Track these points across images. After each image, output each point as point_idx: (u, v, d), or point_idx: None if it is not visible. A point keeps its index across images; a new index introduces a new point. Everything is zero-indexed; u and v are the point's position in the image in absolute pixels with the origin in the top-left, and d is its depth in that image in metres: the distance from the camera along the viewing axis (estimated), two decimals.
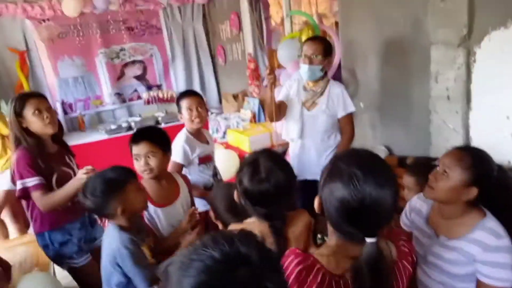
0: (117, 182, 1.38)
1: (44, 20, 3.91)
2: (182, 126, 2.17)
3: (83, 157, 3.67)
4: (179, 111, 2.13)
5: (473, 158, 1.23)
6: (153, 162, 1.66)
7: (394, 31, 2.29)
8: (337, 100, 2.24)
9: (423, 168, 1.91)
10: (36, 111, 1.72)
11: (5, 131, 3.02)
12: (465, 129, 1.99)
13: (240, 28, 4.07)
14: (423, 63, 2.12)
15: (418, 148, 2.30)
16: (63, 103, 4.15)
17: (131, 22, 4.37)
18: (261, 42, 4.65)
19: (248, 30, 4.08)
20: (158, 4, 4.43)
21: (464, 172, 1.21)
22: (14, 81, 3.85)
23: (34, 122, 1.72)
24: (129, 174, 1.44)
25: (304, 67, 2.19)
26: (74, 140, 3.86)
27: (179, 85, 4.76)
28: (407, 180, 1.89)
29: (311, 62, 2.17)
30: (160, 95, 4.48)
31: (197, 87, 4.84)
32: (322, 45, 2.20)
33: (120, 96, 4.48)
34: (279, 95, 2.42)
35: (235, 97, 4.02)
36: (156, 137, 1.71)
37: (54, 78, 4.09)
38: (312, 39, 2.29)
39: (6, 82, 3.83)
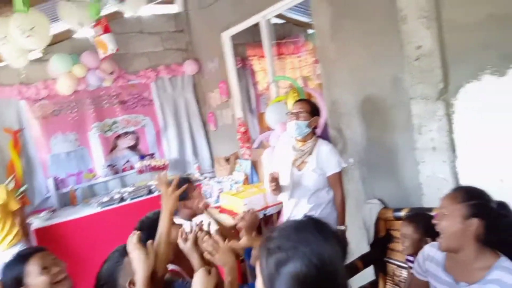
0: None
1: (38, 100, 4.04)
2: None
3: (75, 233, 3.64)
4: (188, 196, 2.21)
5: (466, 193, 1.28)
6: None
7: (375, 90, 2.41)
8: (326, 158, 2.29)
9: (420, 217, 1.91)
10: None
11: (15, 205, 3.23)
12: (455, 177, 2.02)
13: (229, 95, 4.24)
14: (406, 117, 2.21)
15: (411, 199, 2.30)
16: (55, 179, 4.13)
17: (124, 96, 4.54)
18: (249, 107, 4.84)
19: (237, 96, 4.25)
20: (150, 77, 4.64)
21: (459, 206, 1.25)
22: (6, 160, 3.87)
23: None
24: None
25: (291, 124, 2.29)
26: (66, 216, 3.80)
27: (172, 153, 4.82)
28: (405, 229, 1.88)
29: (297, 118, 2.26)
30: (153, 164, 4.50)
31: (189, 153, 4.90)
32: (308, 105, 2.33)
33: (113, 168, 4.49)
34: (273, 163, 2.50)
35: (227, 160, 4.06)
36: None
37: (46, 155, 4.12)
38: (299, 100, 2.43)
39: None
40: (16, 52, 2.97)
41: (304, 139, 2.34)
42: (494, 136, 1.81)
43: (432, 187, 2.14)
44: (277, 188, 2.30)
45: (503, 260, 1.20)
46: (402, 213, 2.28)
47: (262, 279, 0.80)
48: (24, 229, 3.35)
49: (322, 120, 2.91)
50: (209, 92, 4.73)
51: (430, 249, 1.45)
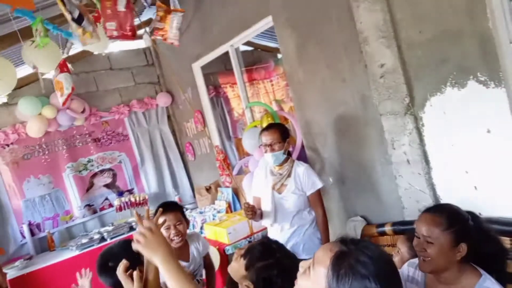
0: None
1: (7, 145, 3.92)
2: None
3: (54, 279, 3.46)
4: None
5: (448, 218, 1.27)
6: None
7: (345, 108, 2.47)
8: (303, 178, 2.31)
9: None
10: None
11: None
12: (431, 188, 2.06)
13: (204, 124, 4.25)
14: (378, 133, 2.26)
15: (393, 213, 2.33)
16: (30, 224, 3.96)
17: (97, 134, 4.46)
18: (226, 134, 4.84)
19: (213, 124, 4.26)
20: (123, 113, 4.60)
21: (445, 235, 1.24)
22: None
23: None
24: None
25: (268, 156, 2.31)
26: (43, 262, 3.62)
27: (151, 187, 4.73)
28: (402, 246, 1.84)
29: (272, 149, 2.27)
30: (132, 199, 4.39)
31: (169, 185, 4.82)
32: (278, 131, 2.33)
33: (91, 207, 4.35)
34: (253, 190, 2.49)
35: (207, 189, 4.02)
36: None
37: (19, 200, 3.96)
38: (266, 128, 2.40)
39: None
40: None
41: (281, 164, 2.36)
42: (463, 145, 1.87)
43: (411, 200, 2.17)
44: (253, 215, 2.31)
45: (484, 280, 1.21)
46: (386, 228, 2.29)
47: None
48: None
49: (297, 141, 2.95)
50: (184, 123, 4.72)
51: (409, 269, 1.44)
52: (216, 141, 4.23)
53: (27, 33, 2.51)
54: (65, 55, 4.05)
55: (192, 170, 4.93)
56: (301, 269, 0.94)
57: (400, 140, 2.13)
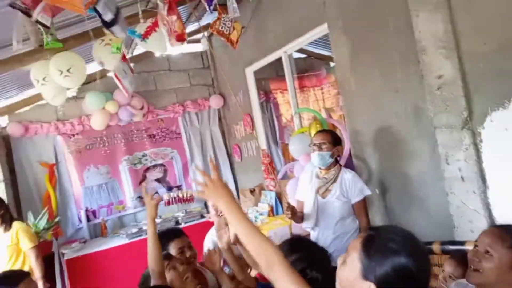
0: None
1: (73, 135, 4.28)
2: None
3: (105, 263, 3.70)
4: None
5: None
6: (194, 250, 2.02)
7: (396, 119, 2.41)
8: (349, 185, 2.29)
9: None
10: None
11: (28, 244, 3.01)
12: (486, 209, 1.94)
13: (253, 127, 4.33)
14: (431, 146, 2.18)
15: (442, 231, 2.21)
16: (87, 210, 4.28)
17: (153, 130, 4.72)
18: (274, 138, 4.89)
19: (261, 128, 4.33)
20: (177, 112, 4.83)
21: (509, 251, 1.19)
22: (42, 193, 4.06)
23: None
24: None
25: (314, 155, 2.33)
26: (96, 247, 3.90)
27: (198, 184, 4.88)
28: (449, 268, 1.76)
29: (320, 149, 2.29)
30: (180, 195, 4.58)
31: None
32: (329, 135, 2.37)
33: (142, 200, 4.59)
34: (297, 193, 2.51)
35: (252, 191, 4.08)
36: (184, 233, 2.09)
37: (79, 187, 4.30)
38: (320, 131, 2.50)
39: (35, 194, 4.04)
40: (54, 91, 3.20)
41: (328, 168, 2.36)
42: None
43: (463, 219, 2.06)
44: (293, 216, 2.33)
45: None
46: (433, 247, 2.19)
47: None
48: (41, 267, 3.06)
49: (345, 150, 2.92)
50: (234, 125, 4.85)
51: None
52: (263, 144, 4.29)
53: (98, 33, 2.75)
54: (129, 55, 4.36)
55: (238, 171, 5.03)
56: (338, 262, 0.96)
57: (455, 155, 2.03)
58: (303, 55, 5.35)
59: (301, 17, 3.14)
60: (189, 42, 4.97)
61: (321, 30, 2.96)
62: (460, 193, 2.05)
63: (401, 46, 2.27)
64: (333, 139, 2.36)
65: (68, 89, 3.38)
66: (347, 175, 2.33)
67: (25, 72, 3.03)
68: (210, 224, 4.05)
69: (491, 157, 1.90)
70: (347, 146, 2.93)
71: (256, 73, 4.27)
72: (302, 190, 2.47)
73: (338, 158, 2.42)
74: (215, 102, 4.96)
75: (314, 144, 2.35)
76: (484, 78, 1.86)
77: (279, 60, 3.69)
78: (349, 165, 2.90)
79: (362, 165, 2.79)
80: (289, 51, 3.54)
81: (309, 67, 5.27)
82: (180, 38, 2.64)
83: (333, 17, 2.78)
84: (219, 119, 5.10)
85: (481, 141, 1.92)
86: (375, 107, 2.56)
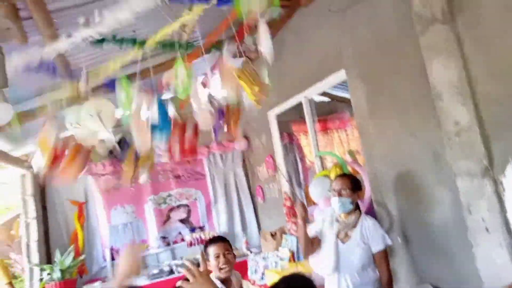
0: None
1: (103, 175, 4.47)
2: None
3: None
4: (207, 258, 2.17)
5: None
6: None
7: (415, 165, 2.35)
8: (370, 233, 2.22)
9: None
10: None
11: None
12: None
13: (275, 169, 4.34)
14: (453, 194, 2.09)
15: (469, 286, 2.07)
16: (111, 249, 4.35)
17: (179, 171, 4.85)
18: (297, 180, 4.86)
19: (283, 170, 4.33)
20: (203, 154, 4.95)
21: None
22: (71, 230, 4.20)
23: None
24: None
25: (335, 200, 2.29)
26: None
27: (221, 226, 4.89)
28: None
29: (340, 195, 2.26)
30: (203, 236, 4.58)
31: (238, 226, 4.93)
32: (349, 181, 2.33)
33: (165, 240, 4.64)
34: (312, 230, 2.46)
35: (273, 235, 4.01)
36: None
37: (106, 225, 4.42)
38: (340, 175, 2.44)
39: (64, 231, 4.19)
40: (87, 134, 3.40)
41: (348, 213, 2.30)
42: None
43: (491, 274, 1.92)
44: (304, 215, 2.31)
45: None
46: None
47: None
48: None
49: (366, 195, 2.85)
50: (257, 166, 4.88)
51: None
52: (285, 187, 4.26)
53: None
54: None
55: (261, 213, 4.99)
56: None
57: (478, 205, 1.94)
58: (327, 99, 5.43)
59: (320, 63, 3.22)
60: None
61: (339, 75, 3.01)
62: (485, 246, 1.93)
63: (416, 92, 2.27)
64: (353, 185, 2.32)
65: (100, 131, 3.59)
66: (367, 222, 2.26)
67: (62, 116, 3.26)
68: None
69: None
70: (367, 191, 2.86)
71: (279, 115, 4.34)
72: (317, 227, 2.40)
73: (358, 204, 2.37)
74: (239, 144, 5.05)
75: (334, 190, 2.32)
76: (502, 124, 1.81)
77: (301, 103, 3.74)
78: (370, 211, 2.82)
79: (383, 211, 2.70)
80: (309, 95, 3.60)
81: (333, 109, 5.30)
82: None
83: (350, 63, 2.84)
84: (243, 160, 5.16)
85: (503, 189, 1.83)
86: (394, 151, 2.52)
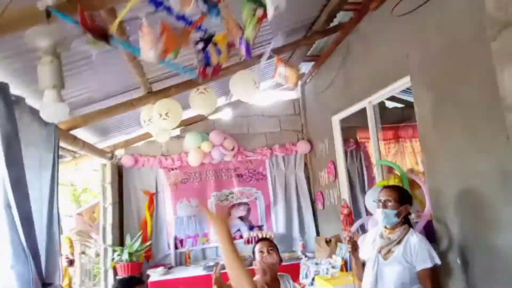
0: None
1: (172, 169, 4.82)
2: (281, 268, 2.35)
3: None
4: (254, 258, 2.32)
5: None
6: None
7: (482, 182, 2.15)
8: (415, 250, 2.10)
9: None
10: None
11: None
12: None
13: (336, 175, 4.27)
14: None
15: None
16: (175, 239, 4.68)
17: (241, 170, 5.02)
18: (362, 188, 4.71)
19: (344, 177, 4.24)
20: (266, 155, 5.06)
21: None
22: (141, 218, 4.61)
23: None
24: None
25: (378, 211, 2.23)
26: (178, 274, 4.22)
27: (279, 227, 4.95)
28: None
29: (384, 206, 2.18)
30: (259, 236, 4.68)
31: (296, 229, 4.95)
32: (397, 192, 2.25)
33: None
34: (361, 250, 2.42)
35: (327, 242, 3.95)
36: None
37: (172, 216, 4.76)
38: (387, 186, 2.38)
39: (135, 218, 4.62)
40: (159, 131, 3.73)
41: (393, 228, 2.21)
42: None
43: None
44: (354, 250, 2.32)
45: None
46: None
47: None
48: None
49: (425, 211, 2.69)
50: (319, 171, 4.84)
51: None
52: (345, 194, 4.17)
53: (194, 83, 3.18)
54: (227, 101, 4.82)
55: (320, 219, 4.94)
56: None
57: None
58: (400, 105, 5.17)
59: (385, 69, 3.10)
60: (283, 89, 5.30)
61: (404, 82, 2.87)
62: None
63: (485, 102, 2.08)
64: (401, 197, 2.22)
65: (171, 129, 3.90)
66: (413, 238, 2.14)
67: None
68: (285, 268, 4.05)
69: None
70: (428, 206, 2.68)
71: (342, 121, 4.27)
72: (365, 247, 2.35)
73: (410, 220, 2.26)
74: (302, 147, 5.06)
75: (380, 201, 2.25)
76: None
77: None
78: (429, 228, 2.65)
79: (443, 229, 2.51)
80: (373, 101, 3.49)
81: (406, 116, 5.03)
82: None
83: (415, 69, 2.70)
84: (305, 164, 5.16)
85: None
86: (458, 166, 2.33)
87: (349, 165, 4.56)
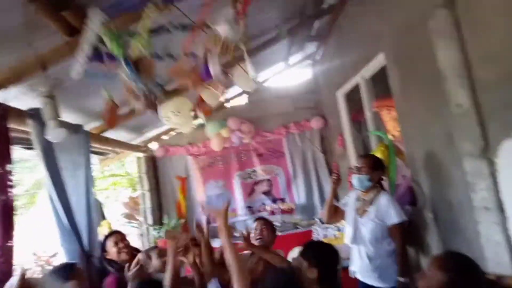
0: None
1: (199, 155, 5.40)
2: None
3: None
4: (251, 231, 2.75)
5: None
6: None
7: (436, 146, 2.42)
8: (384, 209, 2.44)
9: None
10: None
11: None
12: (507, 240, 1.86)
13: (344, 146, 4.57)
14: (462, 174, 2.15)
15: (480, 263, 2.13)
16: (207, 216, 5.30)
17: (261, 150, 5.47)
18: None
19: (351, 148, 4.52)
20: (282, 134, 5.45)
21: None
22: (177, 200, 5.28)
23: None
24: None
25: (354, 177, 2.57)
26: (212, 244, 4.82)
27: (300, 198, 5.38)
28: None
29: (359, 172, 2.53)
30: (282, 207, 5.16)
31: (316, 199, 5.35)
32: (371, 160, 2.58)
33: (251, 209, 5.38)
34: (341, 202, 2.81)
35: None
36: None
37: (203, 196, 5.37)
38: (362, 155, 2.71)
39: (171, 201, 5.30)
40: (183, 123, 4.25)
41: (367, 190, 2.56)
42: None
43: (491, 251, 1.99)
44: (337, 181, 2.78)
45: None
46: None
47: None
48: None
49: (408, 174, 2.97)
50: (333, 143, 5.14)
51: None
52: (353, 163, 4.46)
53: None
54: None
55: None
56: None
57: (479, 184, 2.00)
58: None
59: (368, 47, 3.33)
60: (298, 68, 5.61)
61: (380, 60, 3.11)
62: (486, 224, 2.00)
63: (437, 75, 2.31)
64: (373, 164, 2.55)
65: (196, 120, 4.40)
66: (383, 199, 2.49)
67: None
68: (301, 235, 4.49)
69: (508, 187, 1.82)
70: (407, 170, 2.96)
71: (348, 95, 4.50)
72: (344, 200, 2.74)
73: (382, 183, 2.58)
74: (316, 123, 5.37)
75: (355, 167, 2.60)
76: (495, 108, 1.83)
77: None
78: (412, 189, 2.93)
79: (418, 189, 2.80)
80: (365, 76, 3.72)
81: None
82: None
83: (386, 46, 2.93)
84: (321, 138, 5.47)
85: (496, 170, 1.87)
86: (422, 132, 2.60)
87: (359, 136, 4.80)
